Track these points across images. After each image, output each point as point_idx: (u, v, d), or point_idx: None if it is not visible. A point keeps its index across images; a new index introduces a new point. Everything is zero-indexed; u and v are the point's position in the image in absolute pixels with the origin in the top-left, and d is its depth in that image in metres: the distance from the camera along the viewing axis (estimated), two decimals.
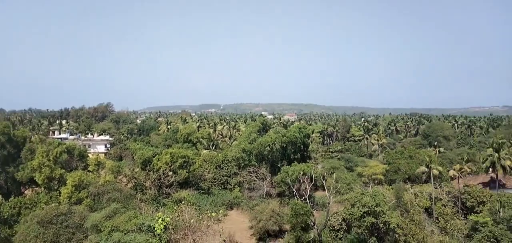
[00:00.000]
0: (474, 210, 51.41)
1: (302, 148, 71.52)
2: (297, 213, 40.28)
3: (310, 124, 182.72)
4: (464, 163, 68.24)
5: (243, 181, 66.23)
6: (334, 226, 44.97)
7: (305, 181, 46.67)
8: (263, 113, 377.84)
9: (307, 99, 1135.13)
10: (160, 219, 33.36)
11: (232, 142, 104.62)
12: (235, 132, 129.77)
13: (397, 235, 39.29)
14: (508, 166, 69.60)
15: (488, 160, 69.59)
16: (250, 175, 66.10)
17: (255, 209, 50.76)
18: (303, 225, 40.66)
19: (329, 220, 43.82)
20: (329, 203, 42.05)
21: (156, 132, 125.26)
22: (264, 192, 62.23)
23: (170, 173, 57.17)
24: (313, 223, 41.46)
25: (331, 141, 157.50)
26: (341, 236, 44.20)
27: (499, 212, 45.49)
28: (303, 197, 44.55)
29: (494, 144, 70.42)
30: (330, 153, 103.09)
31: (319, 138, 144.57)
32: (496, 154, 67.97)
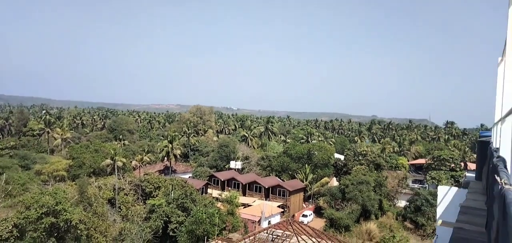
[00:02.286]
0: (152, 194, 57.62)
1: None
2: None
3: None
4: (144, 154, 75.25)
5: None
6: (1, 236, 37.89)
7: None
8: None
9: None
10: None
11: None
12: None
13: (79, 231, 38.07)
14: (178, 154, 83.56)
15: (164, 150, 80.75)
16: None
17: None
18: None
19: None
20: None
21: None
22: None
23: None
24: None
25: (2, 136, 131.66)
26: None
27: (171, 194, 53.38)
28: None
29: (169, 137, 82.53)
30: (0, 150, 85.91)
31: None
32: (170, 145, 79.92)
